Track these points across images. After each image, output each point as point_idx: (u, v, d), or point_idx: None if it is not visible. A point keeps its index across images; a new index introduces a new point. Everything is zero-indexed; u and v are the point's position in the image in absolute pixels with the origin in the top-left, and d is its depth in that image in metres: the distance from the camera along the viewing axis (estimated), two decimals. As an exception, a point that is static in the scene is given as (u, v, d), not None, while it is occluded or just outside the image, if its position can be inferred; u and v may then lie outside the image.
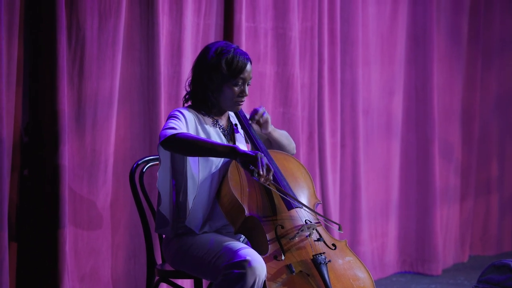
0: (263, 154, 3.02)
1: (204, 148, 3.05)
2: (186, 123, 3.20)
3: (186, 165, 3.19)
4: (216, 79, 3.24)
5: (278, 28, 4.73)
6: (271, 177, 3.02)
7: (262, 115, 3.36)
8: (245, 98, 3.28)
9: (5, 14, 3.47)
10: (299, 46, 4.86)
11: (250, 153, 3.01)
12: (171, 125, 3.13)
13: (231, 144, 3.13)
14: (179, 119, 3.19)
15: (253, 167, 2.98)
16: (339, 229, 3.18)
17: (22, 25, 3.59)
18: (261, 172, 2.98)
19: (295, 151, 3.53)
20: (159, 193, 3.23)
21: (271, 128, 3.40)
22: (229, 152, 3.03)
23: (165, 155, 3.21)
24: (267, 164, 3.00)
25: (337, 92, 5.13)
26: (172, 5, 4.17)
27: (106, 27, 3.85)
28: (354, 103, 5.28)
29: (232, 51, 3.24)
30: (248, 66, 3.26)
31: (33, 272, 3.68)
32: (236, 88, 3.24)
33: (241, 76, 3.24)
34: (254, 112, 3.37)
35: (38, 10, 3.65)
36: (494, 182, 6.42)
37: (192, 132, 3.22)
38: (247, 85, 3.27)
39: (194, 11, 4.28)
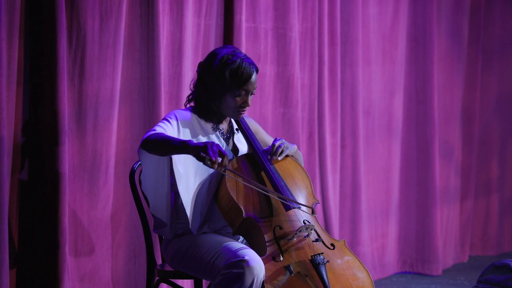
0: (214, 142, 2.94)
1: (166, 147, 3.02)
2: (178, 126, 3.18)
3: (183, 167, 3.19)
4: (219, 88, 3.21)
5: (278, 28, 4.74)
6: (226, 162, 2.94)
7: (281, 154, 3.31)
8: (247, 108, 3.26)
9: (5, 15, 3.47)
10: (299, 47, 4.86)
11: (200, 144, 2.93)
12: (154, 127, 3.13)
13: (185, 139, 3.06)
14: (168, 122, 3.18)
15: (204, 154, 2.90)
16: (312, 212, 3.17)
17: (22, 25, 3.59)
18: (213, 158, 2.90)
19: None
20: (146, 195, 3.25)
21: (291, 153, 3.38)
22: (183, 147, 2.97)
23: (157, 157, 3.20)
24: (219, 150, 2.93)
25: (337, 93, 5.13)
26: (173, 5, 4.17)
27: (107, 28, 3.85)
28: (354, 103, 5.28)
29: (239, 61, 3.19)
30: (253, 77, 3.21)
31: (33, 273, 3.68)
32: (238, 99, 3.22)
33: (244, 87, 3.20)
34: (273, 152, 3.30)
35: (39, 11, 3.65)
36: (494, 183, 6.42)
37: (188, 136, 3.21)
38: (251, 95, 3.25)
39: (195, 12, 4.28)
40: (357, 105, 5.29)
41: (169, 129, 3.14)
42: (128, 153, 4.02)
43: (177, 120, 3.20)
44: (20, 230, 3.66)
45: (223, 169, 2.97)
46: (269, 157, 3.28)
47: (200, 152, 2.90)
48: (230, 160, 3.21)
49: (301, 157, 3.48)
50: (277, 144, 3.30)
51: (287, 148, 3.33)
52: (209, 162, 2.90)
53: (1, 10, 3.42)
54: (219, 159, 2.94)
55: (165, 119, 3.20)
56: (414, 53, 5.74)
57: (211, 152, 2.90)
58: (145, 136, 3.08)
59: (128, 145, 4.02)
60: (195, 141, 3.15)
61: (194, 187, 3.19)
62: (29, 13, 3.64)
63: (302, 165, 3.44)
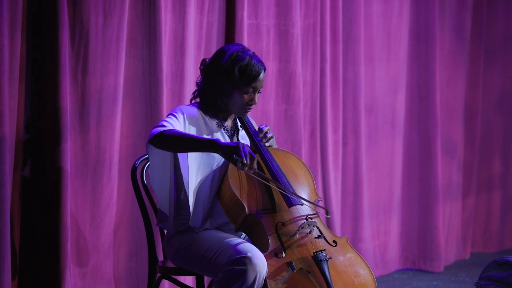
0: (245, 144, 2.99)
1: (187, 144, 3.04)
2: (184, 121, 3.18)
3: (188, 163, 3.19)
4: (227, 84, 3.20)
5: (280, 25, 4.74)
6: (255, 166, 3.00)
7: (266, 135, 3.33)
8: (253, 106, 3.27)
9: (7, 11, 3.46)
10: (301, 43, 4.86)
11: (232, 144, 2.98)
12: (163, 123, 3.12)
13: (213, 138, 3.10)
14: (175, 117, 3.17)
15: (236, 156, 2.95)
16: (327, 213, 3.18)
17: (24, 21, 3.59)
18: (245, 161, 2.95)
19: None
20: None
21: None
22: (211, 145, 3.01)
23: (164, 152, 3.20)
24: (250, 153, 2.98)
25: (339, 90, 5.13)
26: (175, 2, 4.17)
27: (111, 24, 3.85)
28: (356, 101, 5.28)
29: (248, 58, 3.20)
30: (261, 75, 3.22)
31: (35, 269, 3.69)
32: (245, 96, 3.22)
33: (253, 84, 3.21)
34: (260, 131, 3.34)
35: (41, 7, 3.65)
36: (496, 180, 6.42)
37: (194, 132, 3.21)
38: (258, 93, 3.25)
39: (197, 8, 4.28)
40: (359, 103, 5.29)
41: (176, 124, 3.14)
42: (130, 150, 4.02)
43: (183, 115, 3.20)
44: (22, 227, 3.67)
45: (252, 171, 3.01)
46: (265, 143, 3.29)
47: (233, 154, 2.96)
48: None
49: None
50: (265, 129, 3.32)
51: (272, 137, 3.35)
52: (240, 164, 2.95)
53: (3, 6, 3.42)
54: (250, 162, 2.98)
55: (172, 114, 3.19)
56: (417, 50, 5.74)
57: (243, 154, 2.96)
58: (157, 131, 3.06)
59: (130, 141, 4.03)
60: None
61: (196, 182, 3.19)
62: (31, 9, 3.64)
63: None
